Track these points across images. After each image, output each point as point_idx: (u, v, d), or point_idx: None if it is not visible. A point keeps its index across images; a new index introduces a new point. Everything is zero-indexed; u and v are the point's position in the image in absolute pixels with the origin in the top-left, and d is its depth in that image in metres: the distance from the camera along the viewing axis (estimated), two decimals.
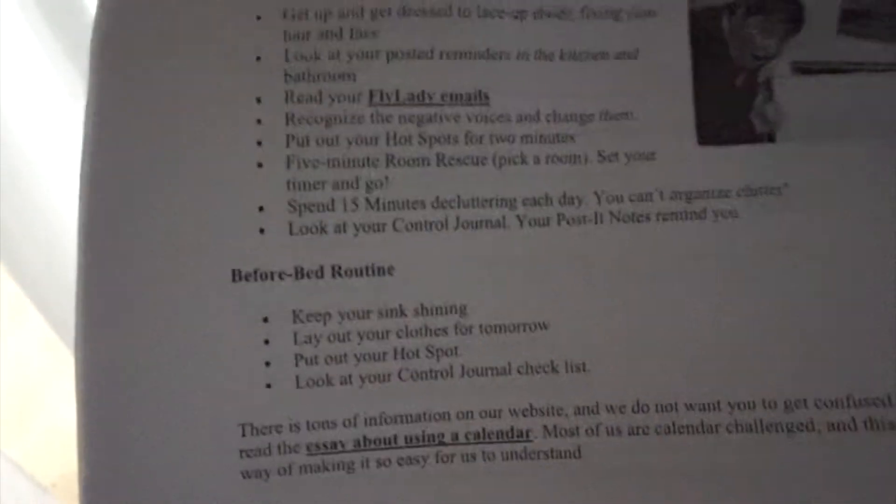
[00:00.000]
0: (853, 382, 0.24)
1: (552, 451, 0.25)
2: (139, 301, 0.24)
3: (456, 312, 0.25)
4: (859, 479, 0.24)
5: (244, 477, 0.24)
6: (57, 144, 0.57)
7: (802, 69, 0.26)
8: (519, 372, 0.25)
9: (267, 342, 0.24)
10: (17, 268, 0.62)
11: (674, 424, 0.25)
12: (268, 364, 0.24)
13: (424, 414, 0.25)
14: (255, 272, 0.24)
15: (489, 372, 0.25)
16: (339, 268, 0.25)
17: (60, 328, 0.65)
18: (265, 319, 0.24)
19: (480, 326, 0.25)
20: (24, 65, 0.54)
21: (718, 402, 0.24)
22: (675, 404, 0.25)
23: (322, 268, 0.25)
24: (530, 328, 0.25)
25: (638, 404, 0.25)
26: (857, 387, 0.24)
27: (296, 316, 0.25)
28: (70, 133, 0.57)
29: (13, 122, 0.56)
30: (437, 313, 0.25)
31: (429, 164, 0.25)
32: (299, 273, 0.25)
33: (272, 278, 0.24)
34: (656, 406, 0.25)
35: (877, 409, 0.24)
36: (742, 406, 0.24)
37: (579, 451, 0.25)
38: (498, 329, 0.25)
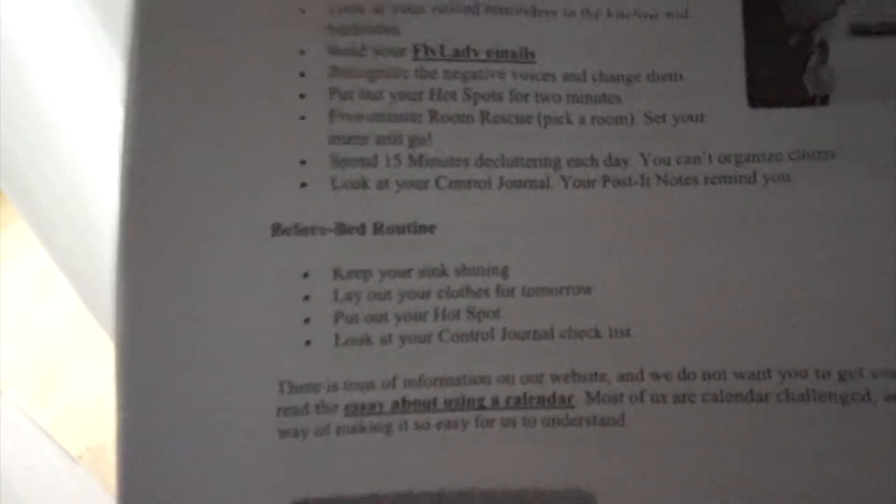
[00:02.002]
0: None
1: (595, 418, 0.24)
2: (179, 253, 0.23)
3: (497, 274, 0.24)
4: None
5: (281, 436, 0.24)
6: (88, 114, 0.57)
7: (859, 30, 0.25)
8: (561, 336, 0.24)
9: (307, 298, 0.24)
10: (49, 238, 0.61)
11: (721, 392, 0.24)
12: (307, 321, 0.24)
13: (465, 377, 0.24)
14: (296, 226, 0.24)
15: (531, 335, 0.24)
16: (381, 224, 0.24)
17: (90, 299, 0.65)
18: (305, 275, 0.24)
19: (522, 288, 0.24)
20: (61, 38, 0.54)
21: (769, 371, 0.24)
22: (724, 372, 0.24)
23: (363, 224, 0.24)
24: (573, 291, 0.24)
25: (684, 372, 0.24)
26: None
27: (336, 273, 0.24)
28: (101, 103, 0.57)
29: (46, 92, 0.56)
30: (478, 274, 0.24)
31: (473, 122, 0.25)
32: (340, 229, 0.24)
33: (313, 233, 0.24)
34: (703, 374, 0.24)
35: None
36: (794, 375, 0.24)
37: (623, 418, 0.24)
38: (540, 292, 0.24)
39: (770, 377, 0.24)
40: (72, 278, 0.63)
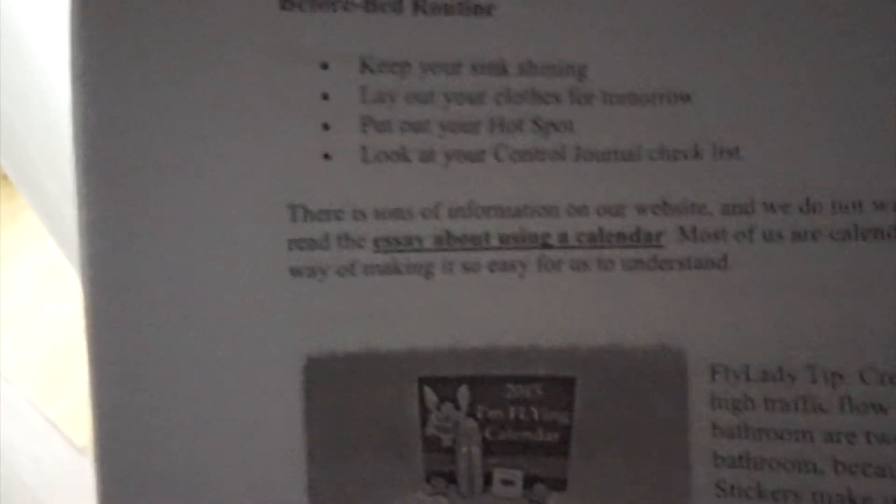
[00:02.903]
0: None
1: (689, 260, 0.19)
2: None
3: (573, 74, 0.19)
4: None
5: (293, 275, 0.19)
6: None
7: None
8: (651, 157, 0.19)
9: (326, 97, 0.18)
10: (57, 230, 0.58)
11: (855, 228, 0.19)
12: (326, 127, 0.18)
13: (526, 207, 0.19)
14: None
15: (612, 156, 0.19)
16: (424, 0, 0.18)
17: None
18: (324, 66, 0.18)
19: (603, 94, 0.19)
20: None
21: None
22: (860, 203, 0.19)
23: None
24: (668, 99, 0.19)
25: (808, 203, 0.19)
26: None
27: (364, 64, 0.18)
28: None
29: (55, 81, 0.51)
30: (548, 73, 0.19)
31: None
32: (370, 3, 0.18)
33: (334, 8, 0.18)
34: (833, 204, 0.19)
35: None
36: None
37: (725, 260, 0.19)
38: (626, 99, 0.19)
39: None
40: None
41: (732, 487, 0.19)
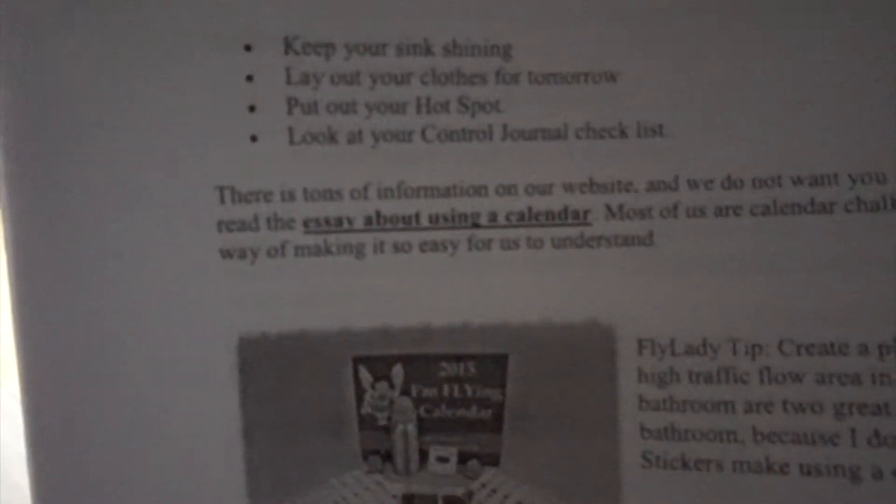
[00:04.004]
0: None
1: (616, 238, 0.19)
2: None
3: (498, 54, 0.19)
4: None
5: (224, 256, 0.19)
6: None
7: None
8: (577, 136, 0.19)
9: (250, 78, 0.18)
10: None
11: (775, 203, 0.19)
12: (252, 109, 0.18)
13: (455, 187, 0.19)
14: None
15: (539, 135, 0.19)
16: None
17: None
18: (248, 48, 0.18)
19: (529, 74, 0.19)
20: None
21: (836, 175, 0.19)
22: (779, 178, 0.19)
23: None
24: (593, 79, 0.19)
25: (729, 179, 0.19)
26: None
27: (288, 45, 0.18)
28: None
29: None
30: (473, 53, 0.19)
31: None
32: None
33: None
34: (753, 181, 0.19)
35: None
36: (868, 179, 0.19)
37: (651, 236, 0.19)
38: (552, 79, 0.19)
39: (837, 182, 0.19)
40: None
41: (658, 458, 0.19)
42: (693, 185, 0.19)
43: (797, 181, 0.19)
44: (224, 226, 0.19)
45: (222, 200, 0.19)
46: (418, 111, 0.19)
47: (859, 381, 0.19)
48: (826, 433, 0.19)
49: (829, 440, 0.19)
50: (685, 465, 0.19)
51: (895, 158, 0.19)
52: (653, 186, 0.19)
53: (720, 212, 0.19)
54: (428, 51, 0.19)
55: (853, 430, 0.19)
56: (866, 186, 0.19)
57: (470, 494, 0.20)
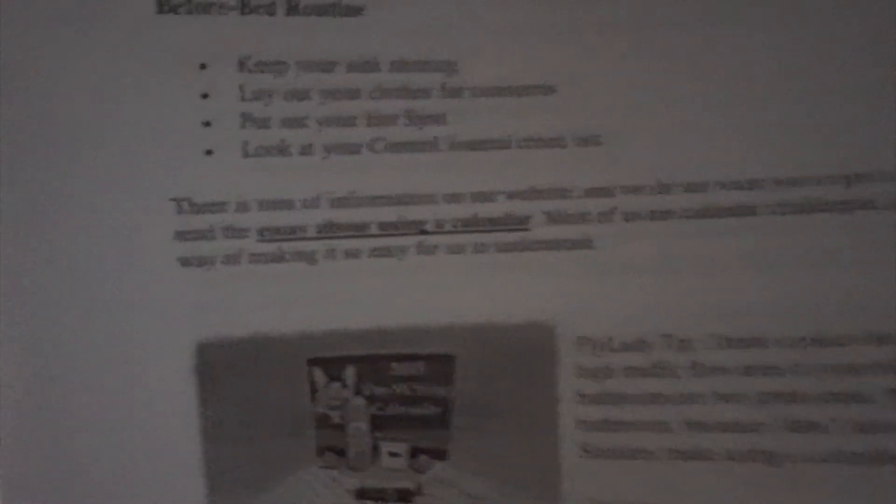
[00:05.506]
0: None
1: (556, 242, 0.20)
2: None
3: (444, 70, 0.20)
4: None
5: (181, 264, 0.20)
6: None
7: None
8: (519, 146, 0.20)
9: (206, 96, 0.19)
10: None
11: (703, 207, 0.20)
12: (207, 124, 0.19)
13: (403, 196, 0.20)
14: (187, 4, 0.19)
15: (483, 146, 0.20)
16: (297, 2, 0.19)
17: None
18: (203, 66, 0.19)
19: (473, 88, 0.20)
20: None
21: (761, 181, 0.20)
22: (706, 183, 0.20)
23: (274, 1, 0.19)
24: (534, 92, 0.20)
25: (661, 185, 0.20)
26: None
27: (242, 63, 0.19)
28: None
29: None
30: (419, 69, 0.20)
31: None
32: (245, 6, 0.19)
33: (210, 11, 0.19)
34: (683, 186, 0.20)
35: None
36: (790, 184, 0.20)
37: (589, 240, 0.20)
38: (494, 92, 0.20)
39: (761, 187, 0.20)
40: None
41: (596, 449, 0.21)
42: (628, 190, 0.21)
43: (724, 186, 0.20)
44: (181, 235, 0.20)
45: (180, 211, 0.20)
46: (367, 125, 0.20)
47: (780, 373, 0.20)
48: (749, 421, 0.20)
49: (751, 427, 0.20)
50: (621, 454, 0.21)
51: (814, 163, 0.20)
52: (590, 193, 0.21)
53: (653, 216, 0.20)
54: (376, 67, 0.20)
55: (773, 418, 0.20)
56: (787, 190, 0.20)
57: (420, 487, 0.21)
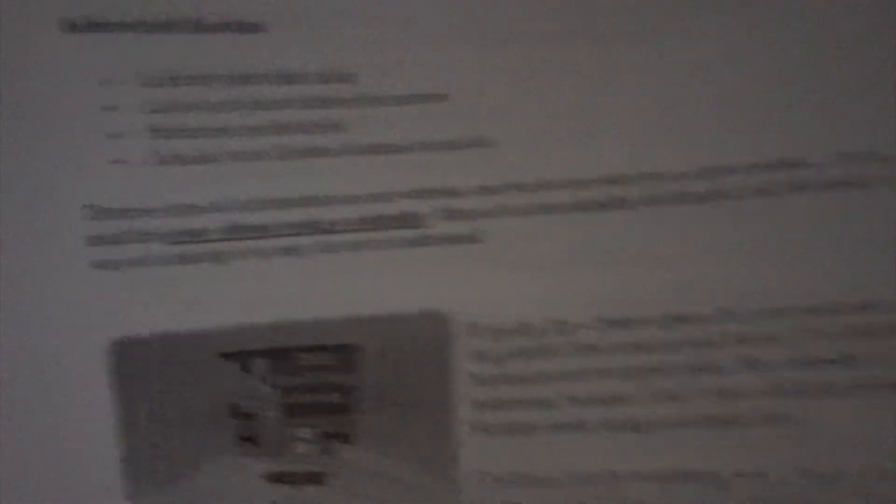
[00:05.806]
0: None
1: (448, 237, 0.22)
2: None
3: (345, 81, 0.21)
4: None
5: (94, 267, 0.21)
6: None
7: None
8: (413, 150, 0.22)
9: (112, 108, 0.20)
10: None
11: (581, 201, 0.22)
12: (115, 136, 0.21)
13: (305, 198, 0.22)
14: (90, 23, 0.20)
15: (380, 150, 0.22)
16: (200, 21, 0.21)
17: None
18: (106, 82, 0.20)
19: (372, 98, 0.22)
20: None
21: (630, 175, 0.22)
22: (587, 181, 0.22)
23: (173, 20, 0.21)
24: (427, 99, 0.22)
25: (546, 182, 0.22)
26: None
27: (149, 77, 0.21)
28: None
29: None
30: (321, 81, 0.21)
31: None
32: (146, 23, 0.20)
33: (112, 30, 0.20)
34: (565, 183, 0.22)
35: None
36: (658, 178, 0.22)
37: (479, 235, 0.22)
38: (391, 101, 0.22)
39: (634, 182, 0.22)
40: None
41: (488, 426, 0.22)
42: (514, 188, 0.22)
43: (601, 182, 0.22)
44: (93, 240, 0.21)
45: (91, 218, 0.21)
46: (271, 133, 0.22)
47: (648, 350, 0.22)
48: (620, 394, 0.22)
49: (621, 399, 0.22)
50: (511, 430, 0.22)
51: (712, 155, 0.22)
52: (479, 191, 0.22)
53: (537, 211, 0.22)
54: (280, 80, 0.21)
55: (639, 389, 0.22)
56: (657, 184, 0.22)
57: (330, 469, 0.23)
